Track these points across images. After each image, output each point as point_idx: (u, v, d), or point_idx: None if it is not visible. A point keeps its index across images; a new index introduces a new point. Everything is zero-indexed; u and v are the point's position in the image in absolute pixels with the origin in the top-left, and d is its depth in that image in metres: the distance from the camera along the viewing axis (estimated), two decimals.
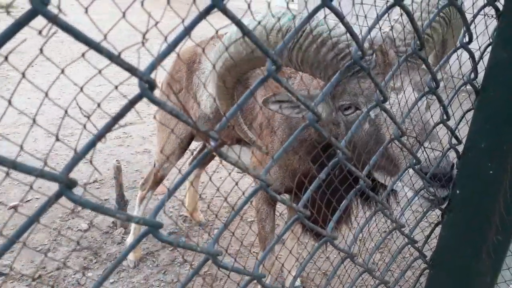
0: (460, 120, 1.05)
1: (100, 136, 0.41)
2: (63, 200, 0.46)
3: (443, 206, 1.15)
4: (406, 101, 1.12)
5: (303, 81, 1.58)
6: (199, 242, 3.27)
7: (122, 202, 3.10)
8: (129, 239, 3.03)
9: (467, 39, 0.89)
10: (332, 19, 0.61)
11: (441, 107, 0.90)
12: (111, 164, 3.97)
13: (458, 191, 1.08)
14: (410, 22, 0.70)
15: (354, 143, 1.27)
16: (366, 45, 0.95)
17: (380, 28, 1.24)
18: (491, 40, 0.98)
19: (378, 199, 0.85)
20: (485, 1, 0.89)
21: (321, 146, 1.08)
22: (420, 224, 1.16)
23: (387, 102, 0.75)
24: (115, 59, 0.37)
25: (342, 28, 1.12)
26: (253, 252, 3.15)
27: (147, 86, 0.42)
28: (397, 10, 1.35)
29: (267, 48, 0.50)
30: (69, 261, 3.03)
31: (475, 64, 0.94)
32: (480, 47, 0.98)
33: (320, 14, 0.58)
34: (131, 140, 4.90)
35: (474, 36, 0.95)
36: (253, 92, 0.53)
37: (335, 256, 3.20)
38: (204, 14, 0.44)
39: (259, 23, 1.14)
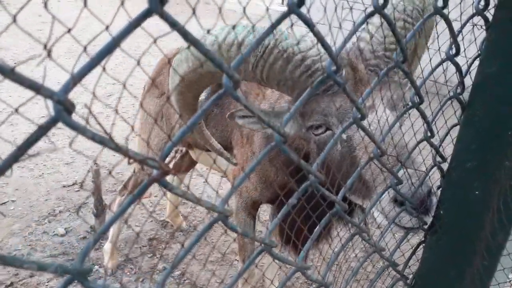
0: (445, 137, 0.98)
1: (2, 170, 0.33)
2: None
3: (426, 226, 1.08)
4: (378, 120, 1.05)
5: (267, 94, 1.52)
6: (180, 247, 3.19)
7: (100, 207, 2.99)
8: (107, 246, 2.92)
9: (454, 51, 0.82)
10: (300, 26, 0.53)
11: (425, 124, 0.83)
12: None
13: (441, 212, 1.02)
14: (392, 32, 0.64)
15: (327, 163, 1.20)
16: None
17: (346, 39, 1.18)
18: (479, 52, 0.93)
19: (355, 222, 0.79)
20: (474, 11, 0.83)
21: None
22: (401, 246, 1.10)
23: (365, 120, 0.68)
24: (10, 75, 0.29)
25: (309, 41, 1.05)
26: (236, 259, 3.07)
27: (63, 108, 0.34)
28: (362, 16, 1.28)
29: (221, 60, 0.43)
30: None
31: (461, 78, 0.88)
32: (467, 61, 0.92)
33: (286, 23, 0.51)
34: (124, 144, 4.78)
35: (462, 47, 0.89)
36: (205, 110, 0.45)
37: (319, 264, 3.14)
38: (137, 21, 0.37)
39: (215, 37, 1.05)
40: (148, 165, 0.41)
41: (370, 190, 1.09)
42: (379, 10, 0.57)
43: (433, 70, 0.81)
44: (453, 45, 0.82)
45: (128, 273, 2.94)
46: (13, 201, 3.67)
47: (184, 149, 2.82)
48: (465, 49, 0.85)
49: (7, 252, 3.02)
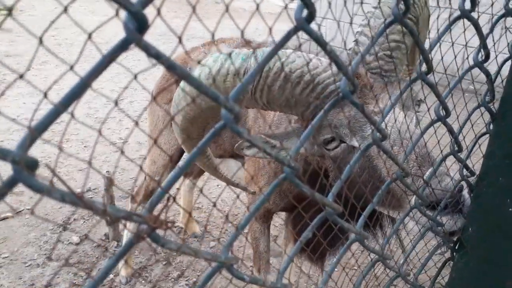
0: (472, 148, 0.90)
1: None
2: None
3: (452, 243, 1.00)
4: (395, 121, 0.96)
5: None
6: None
7: None
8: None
9: (482, 57, 0.74)
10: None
11: (453, 139, 0.75)
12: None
13: (470, 229, 0.93)
14: (416, 43, 0.56)
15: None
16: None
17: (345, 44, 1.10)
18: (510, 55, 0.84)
19: (378, 252, 0.71)
20: (504, 11, 0.75)
21: (310, 173, 0.94)
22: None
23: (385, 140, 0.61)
24: None
25: (302, 57, 0.98)
26: (250, 266, 3.01)
27: (21, 168, 0.28)
28: (359, 19, 1.19)
29: (216, 93, 0.36)
30: (59, 277, 2.91)
31: (491, 85, 0.80)
32: (498, 65, 0.83)
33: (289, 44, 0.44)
34: (126, 146, 4.77)
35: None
36: (201, 149, 0.39)
37: (336, 270, 3.06)
38: (112, 55, 0.30)
39: (209, 68, 0.98)
40: (134, 221, 0.35)
41: (399, 200, 1.01)
42: (399, 18, 0.50)
43: (460, 79, 0.73)
44: (481, 50, 0.74)
45: (143, 281, 2.92)
46: (28, 209, 3.68)
47: None
48: (495, 52, 0.76)
49: (22, 262, 3.03)
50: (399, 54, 1.07)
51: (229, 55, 0.95)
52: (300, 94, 1.01)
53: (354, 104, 0.50)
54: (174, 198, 0.40)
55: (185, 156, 2.62)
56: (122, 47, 0.31)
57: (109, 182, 2.95)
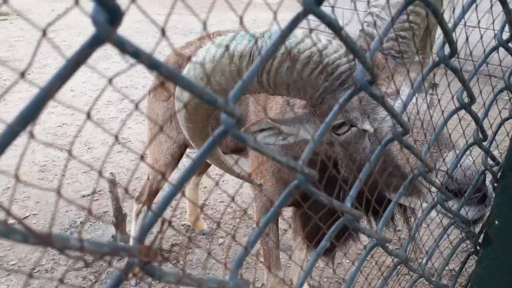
0: (496, 133, 0.83)
1: None
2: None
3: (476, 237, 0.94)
4: (405, 104, 0.90)
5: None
6: (204, 253, 3.10)
7: (119, 216, 2.93)
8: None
9: (508, 35, 0.67)
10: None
11: (478, 127, 0.68)
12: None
13: (497, 222, 0.87)
14: (439, 23, 0.49)
15: (356, 161, 1.05)
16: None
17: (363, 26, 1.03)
18: None
19: (402, 255, 0.65)
20: None
21: (320, 166, 0.88)
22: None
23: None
24: None
25: (311, 38, 0.91)
26: (261, 261, 2.97)
27: None
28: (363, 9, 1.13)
29: (214, 95, 0.30)
30: (67, 282, 2.88)
31: None
32: None
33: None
34: (130, 146, 4.73)
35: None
36: (197, 163, 0.33)
37: (347, 261, 3.01)
38: (80, 56, 0.24)
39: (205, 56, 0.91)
40: (121, 256, 0.28)
41: (417, 187, 0.95)
42: None
43: (484, 61, 0.66)
44: (504, 29, 0.67)
45: (153, 282, 2.88)
46: (34, 214, 3.65)
47: None
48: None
49: (30, 268, 3.00)
50: (411, 34, 1.00)
51: (234, 37, 0.88)
52: (309, 76, 0.95)
53: (374, 97, 0.44)
54: (170, 222, 0.34)
55: (189, 152, 2.56)
56: (91, 45, 0.25)
57: (112, 184, 2.91)
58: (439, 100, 0.67)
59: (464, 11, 0.54)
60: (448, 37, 0.51)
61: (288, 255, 2.85)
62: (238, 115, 0.32)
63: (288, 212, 3.42)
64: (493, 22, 0.63)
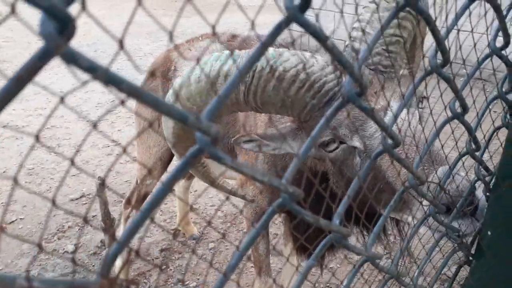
0: (488, 144, 0.81)
1: None
2: None
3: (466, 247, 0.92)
4: (395, 117, 0.89)
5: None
6: (194, 258, 3.06)
7: (108, 221, 2.87)
8: (118, 261, 2.81)
9: (502, 42, 0.65)
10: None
11: (471, 138, 0.66)
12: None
13: (489, 232, 0.85)
14: (431, 31, 0.47)
15: (347, 178, 1.04)
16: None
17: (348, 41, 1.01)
18: None
19: (392, 272, 0.63)
20: None
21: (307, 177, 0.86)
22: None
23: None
24: None
25: (297, 55, 0.90)
26: (251, 266, 2.93)
27: None
28: (353, 12, 1.14)
29: (185, 112, 0.27)
30: None
31: (511, 74, 0.71)
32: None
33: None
34: (120, 149, 4.67)
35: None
36: (170, 184, 0.30)
37: (338, 265, 2.99)
38: (26, 73, 0.21)
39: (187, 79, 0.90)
40: None
41: (407, 203, 0.93)
42: (413, 3, 0.40)
43: (476, 68, 0.64)
44: (498, 36, 0.65)
45: (141, 287, 2.83)
46: (21, 219, 3.58)
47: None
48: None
49: (18, 274, 2.94)
50: (398, 48, 0.99)
51: (218, 57, 0.87)
52: (296, 94, 0.94)
53: (363, 109, 0.41)
54: (137, 252, 0.31)
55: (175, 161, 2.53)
56: (41, 59, 0.22)
57: (101, 188, 2.85)
58: (431, 111, 0.65)
59: (457, 17, 0.51)
60: (441, 46, 0.49)
61: (281, 258, 2.83)
62: (214, 133, 0.30)
63: (278, 217, 3.39)
64: (487, 30, 0.61)
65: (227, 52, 0.91)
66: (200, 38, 1.97)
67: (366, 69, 0.99)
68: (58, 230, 3.38)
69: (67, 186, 4.05)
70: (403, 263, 0.82)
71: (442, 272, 0.86)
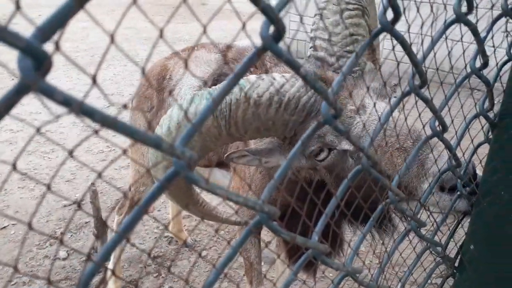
0: (470, 160, 0.83)
1: None
2: None
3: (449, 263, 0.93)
4: (379, 114, 0.92)
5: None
6: (187, 265, 3.05)
7: (101, 227, 2.87)
8: (110, 266, 2.80)
9: (481, 62, 0.67)
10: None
11: (451, 155, 0.68)
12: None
13: (472, 247, 0.86)
14: (408, 55, 0.49)
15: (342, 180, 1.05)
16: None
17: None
18: (507, 58, 0.77)
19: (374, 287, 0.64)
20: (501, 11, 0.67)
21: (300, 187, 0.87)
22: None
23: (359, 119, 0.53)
24: None
25: (267, 79, 0.94)
26: (243, 275, 2.93)
27: None
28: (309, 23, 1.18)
29: (159, 138, 0.28)
30: None
31: (491, 92, 0.73)
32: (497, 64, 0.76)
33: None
34: (114, 154, 4.67)
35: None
36: (148, 203, 0.31)
37: (330, 275, 2.99)
38: (6, 104, 0.22)
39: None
40: None
41: (413, 188, 0.94)
42: (390, 29, 0.42)
43: (456, 87, 0.66)
44: (478, 56, 0.66)
45: None
46: (13, 224, 3.56)
47: None
48: (495, 58, 0.69)
49: (7, 280, 2.92)
50: (359, 45, 1.03)
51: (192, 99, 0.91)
52: (275, 115, 0.98)
53: (339, 131, 0.42)
54: (114, 271, 0.32)
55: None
56: (17, 94, 0.23)
57: (94, 195, 2.85)
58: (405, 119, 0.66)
59: (434, 42, 0.53)
60: (418, 68, 0.50)
61: (273, 266, 2.82)
62: (188, 157, 0.31)
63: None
64: (463, 52, 0.63)
65: (204, 92, 0.94)
66: (196, 48, 1.99)
67: (334, 74, 1.04)
68: (50, 236, 3.37)
69: (61, 191, 4.04)
70: (383, 277, 0.84)
71: (425, 286, 0.87)
